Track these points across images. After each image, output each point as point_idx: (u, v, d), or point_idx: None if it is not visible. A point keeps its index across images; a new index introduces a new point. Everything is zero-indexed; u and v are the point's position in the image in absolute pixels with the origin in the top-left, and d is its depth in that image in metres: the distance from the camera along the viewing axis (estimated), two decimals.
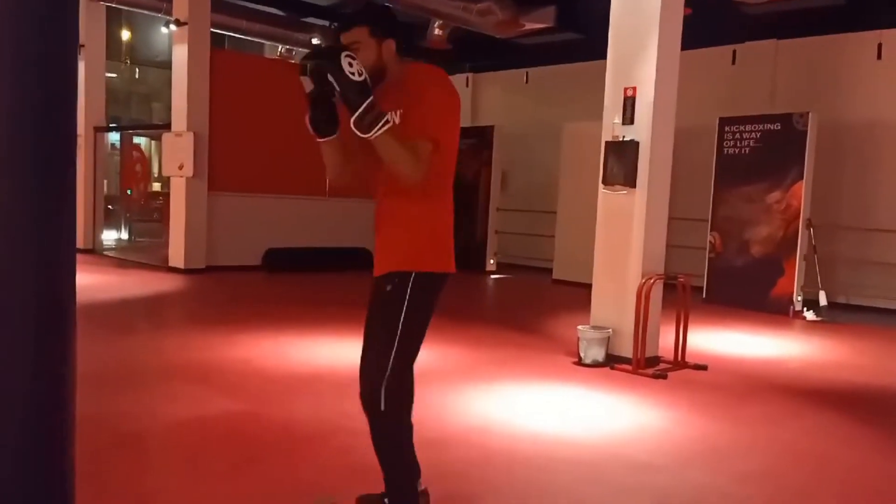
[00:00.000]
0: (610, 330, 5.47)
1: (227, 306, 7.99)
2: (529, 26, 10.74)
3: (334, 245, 11.33)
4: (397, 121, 2.35)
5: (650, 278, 5.29)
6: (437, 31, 11.25)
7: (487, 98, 14.27)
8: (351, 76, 2.18)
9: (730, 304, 9.03)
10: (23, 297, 1.55)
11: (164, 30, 11.86)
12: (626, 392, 4.79)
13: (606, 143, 5.54)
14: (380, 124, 2.21)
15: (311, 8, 12.68)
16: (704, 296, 9.36)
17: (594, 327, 5.57)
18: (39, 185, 1.53)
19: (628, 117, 5.39)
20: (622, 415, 4.35)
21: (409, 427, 2.54)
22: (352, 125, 2.22)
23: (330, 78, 2.19)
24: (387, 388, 2.40)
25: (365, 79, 2.21)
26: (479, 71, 14.20)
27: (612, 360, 5.42)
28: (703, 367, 5.45)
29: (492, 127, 12.22)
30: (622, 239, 5.49)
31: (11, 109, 1.48)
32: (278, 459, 3.32)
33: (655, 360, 5.48)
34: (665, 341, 5.64)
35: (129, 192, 13.71)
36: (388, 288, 2.43)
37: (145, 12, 11.93)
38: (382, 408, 2.40)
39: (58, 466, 1.67)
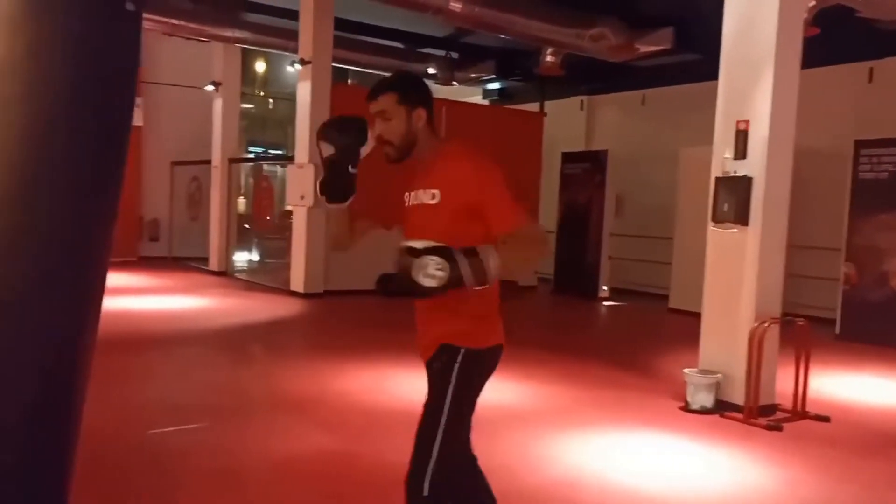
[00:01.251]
0: (719, 375, 5.20)
1: (338, 332, 8.28)
2: (644, 49, 10.47)
3: None
4: (429, 201, 2.25)
5: (764, 322, 4.99)
6: (549, 58, 11.20)
7: (602, 121, 14.03)
8: (425, 286, 2.01)
9: (866, 341, 8.33)
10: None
11: (289, 68, 12.53)
12: (734, 445, 4.53)
13: (716, 178, 5.30)
14: (488, 264, 2.03)
15: (428, 39, 13.01)
16: (838, 331, 8.69)
17: (702, 371, 5.31)
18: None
19: (740, 152, 5.13)
20: (728, 472, 4.11)
21: None
22: (474, 288, 2.06)
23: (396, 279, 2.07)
24: (433, 475, 2.24)
25: (453, 274, 2.02)
26: (594, 93, 13.99)
27: (721, 407, 5.14)
28: (825, 419, 5.06)
29: (605, 151, 11.99)
30: (734, 279, 5.22)
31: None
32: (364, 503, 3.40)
33: (771, 409, 5.14)
34: (785, 386, 5.28)
35: (246, 226, 14.55)
36: (436, 365, 2.31)
37: (276, 52, 12.71)
38: (425, 493, 2.23)
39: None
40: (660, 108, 12.70)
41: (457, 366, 2.28)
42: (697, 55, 10.60)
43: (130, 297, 9.76)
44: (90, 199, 1.82)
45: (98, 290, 1.93)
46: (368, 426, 4.59)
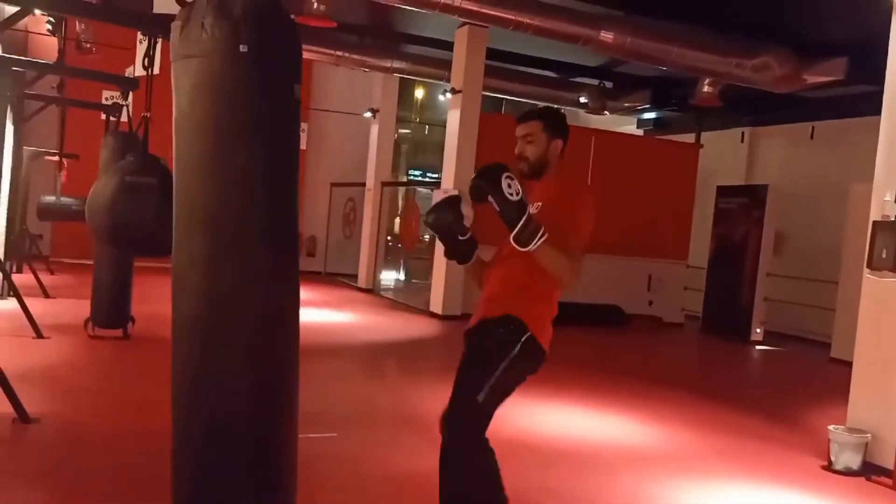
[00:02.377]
0: (869, 435, 4.75)
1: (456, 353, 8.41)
2: (813, 80, 9.83)
3: (586, 301, 11.31)
4: (534, 211, 2.53)
5: None
6: (706, 88, 10.80)
7: (765, 154, 13.27)
8: (509, 196, 2.38)
9: None
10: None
11: (440, 97, 13.00)
12: None
13: (874, 222, 4.89)
14: (537, 238, 2.39)
15: (581, 69, 12.99)
16: None
17: (850, 429, 4.88)
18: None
19: None
20: None
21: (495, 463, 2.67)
22: (511, 241, 2.41)
23: (490, 199, 2.41)
24: (477, 418, 2.64)
25: (521, 198, 2.41)
26: (758, 125, 13.28)
27: (869, 470, 4.70)
28: None
29: (766, 186, 11.33)
30: (890, 331, 4.77)
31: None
32: None
33: None
34: None
35: (390, 240, 15.11)
36: (501, 330, 2.59)
37: (431, 81, 13.25)
38: (479, 402, 2.61)
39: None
40: (831, 142, 11.82)
41: (521, 343, 2.58)
42: (874, 86, 9.80)
43: None
44: (284, 205, 2.32)
45: (296, 281, 2.45)
46: None
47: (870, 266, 4.91)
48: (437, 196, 9.83)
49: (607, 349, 9.96)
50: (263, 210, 2.23)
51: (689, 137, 13.47)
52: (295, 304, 2.41)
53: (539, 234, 2.40)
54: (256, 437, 2.27)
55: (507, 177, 2.40)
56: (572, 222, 2.60)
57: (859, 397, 4.98)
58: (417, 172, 20.81)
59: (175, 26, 2.23)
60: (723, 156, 13.33)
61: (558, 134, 2.73)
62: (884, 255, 4.76)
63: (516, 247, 2.43)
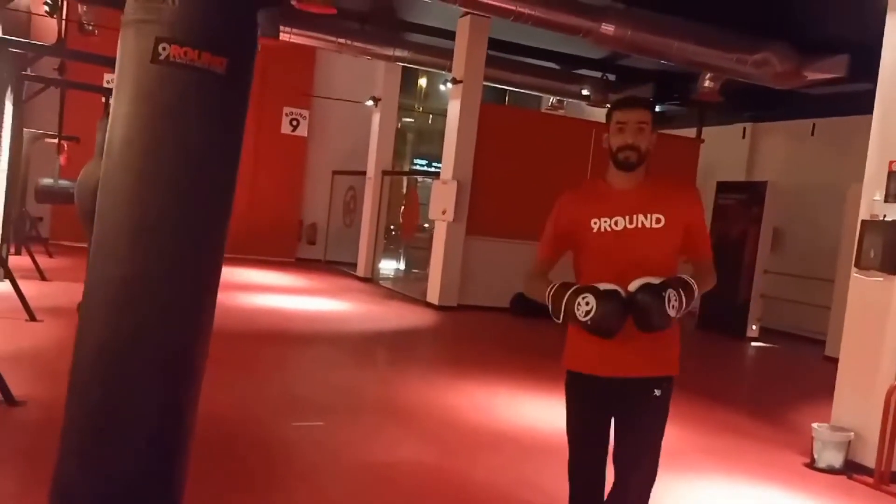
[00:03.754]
0: (851, 433, 4.76)
1: (461, 347, 8.45)
2: (814, 77, 9.77)
3: None
4: (654, 225, 2.38)
5: None
6: (707, 83, 10.75)
7: (766, 150, 13.21)
8: (677, 315, 2.29)
9: None
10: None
11: (441, 87, 12.96)
12: None
13: (863, 221, 4.87)
14: (690, 300, 2.32)
15: (584, 61, 12.94)
16: None
17: (834, 427, 4.89)
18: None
19: (892, 195, 4.69)
20: None
21: None
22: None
23: (652, 315, 2.24)
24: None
25: (683, 303, 2.29)
26: (759, 121, 13.22)
27: (851, 468, 4.71)
28: None
29: (765, 182, 11.29)
30: (875, 331, 4.76)
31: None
32: None
33: None
34: None
35: (393, 230, 15.14)
36: (658, 392, 2.41)
37: (433, 70, 13.22)
38: None
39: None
40: (831, 140, 11.76)
41: (670, 396, 2.46)
42: (875, 84, 9.75)
43: (281, 295, 10.53)
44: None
45: (216, 274, 2.42)
46: (468, 443, 4.67)
47: (858, 265, 4.90)
48: (437, 187, 9.73)
49: None
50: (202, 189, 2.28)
51: (691, 132, 13.42)
52: (211, 298, 2.41)
53: (686, 303, 2.30)
54: (160, 426, 2.29)
55: (670, 292, 2.25)
56: (707, 235, 2.54)
57: (844, 396, 4.99)
58: (423, 162, 20.78)
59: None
60: (724, 151, 13.27)
61: (655, 128, 2.49)
62: (871, 255, 4.75)
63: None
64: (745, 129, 13.32)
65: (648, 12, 9.32)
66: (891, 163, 4.74)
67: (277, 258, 14.67)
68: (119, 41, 2.31)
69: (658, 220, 2.37)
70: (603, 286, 2.26)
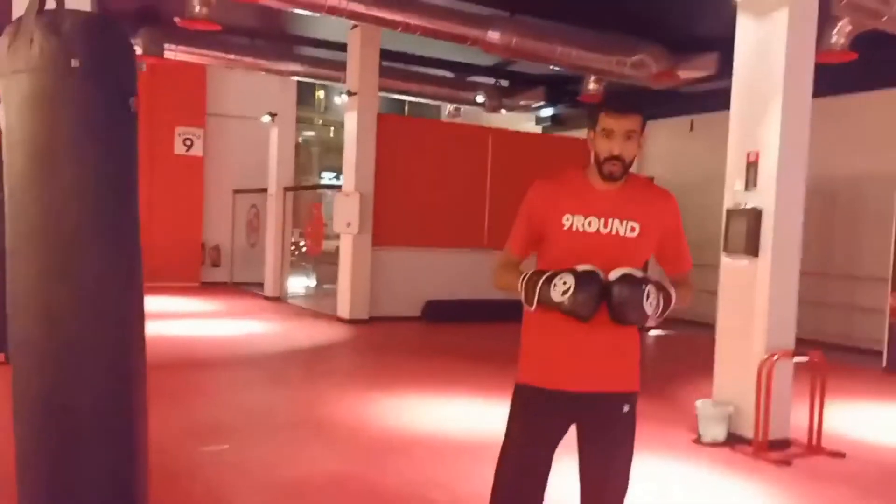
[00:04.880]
0: (731, 407, 5.14)
1: (374, 358, 8.51)
2: (687, 76, 10.40)
3: (492, 297, 11.58)
4: (628, 233, 2.25)
5: (773, 355, 4.93)
6: (592, 86, 11.26)
7: (653, 147, 13.91)
8: (654, 314, 2.18)
9: None
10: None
11: (337, 99, 13.00)
12: (742, 480, 4.49)
13: (728, 210, 5.29)
14: (667, 307, 2.23)
15: (475, 68, 13.26)
16: (885, 364, 8.36)
17: (715, 403, 5.26)
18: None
19: (751, 183, 5.12)
20: None
21: None
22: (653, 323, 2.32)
23: (628, 307, 2.14)
24: None
25: (662, 304, 2.20)
26: (646, 119, 13.89)
27: (734, 440, 5.09)
28: (841, 455, 4.93)
29: (651, 178, 11.88)
30: (745, 310, 5.18)
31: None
32: None
33: (785, 444, 5.05)
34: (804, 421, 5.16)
35: (302, 245, 15.02)
36: (626, 409, 2.33)
37: (329, 83, 13.23)
38: None
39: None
40: (708, 135, 12.53)
41: (636, 412, 2.36)
42: None
43: (185, 320, 10.29)
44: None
45: (139, 289, 2.67)
46: (379, 450, 4.76)
47: (726, 250, 5.31)
48: (340, 200, 9.69)
49: (511, 344, 10.24)
50: (100, 219, 2.30)
51: (584, 133, 13.96)
52: (139, 308, 2.57)
53: (667, 306, 2.21)
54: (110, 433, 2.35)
55: (648, 290, 2.15)
56: (685, 245, 2.41)
57: (722, 372, 5.39)
58: (331, 174, 20.62)
59: (2, 42, 2.24)
60: None
61: (644, 128, 2.29)
62: (736, 239, 5.15)
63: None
64: None
65: (532, 19, 9.70)
66: (747, 154, 5.16)
67: (181, 283, 14.28)
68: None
69: (633, 229, 2.25)
70: (581, 267, 2.15)
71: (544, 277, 2.18)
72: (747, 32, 5.23)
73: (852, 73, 8.35)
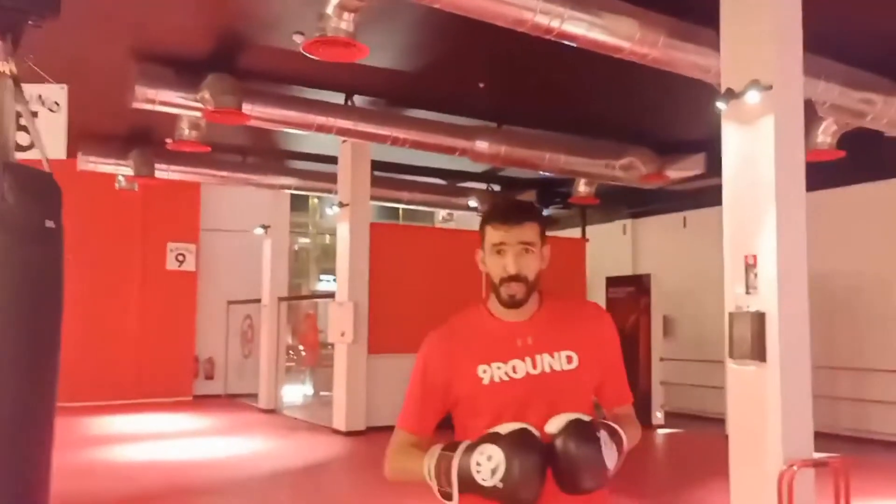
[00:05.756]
0: None
1: (372, 475, 8.07)
2: (676, 175, 10.53)
3: None
4: (565, 366, 1.82)
5: (792, 465, 4.66)
6: (582, 188, 11.39)
7: (646, 244, 13.97)
8: (608, 471, 1.69)
9: None
10: None
11: (328, 210, 13.11)
12: None
13: (730, 314, 5.15)
14: (620, 457, 1.76)
15: (467, 175, 13.45)
16: None
17: None
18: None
19: (751, 287, 5.01)
20: None
21: None
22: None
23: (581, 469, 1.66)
24: None
25: (616, 445, 1.75)
26: (637, 217, 14.03)
27: None
28: None
29: (648, 275, 11.87)
30: (757, 417, 4.94)
31: None
32: None
33: None
34: None
35: (301, 349, 14.77)
36: None
37: (321, 195, 13.36)
38: None
39: None
40: (702, 230, 12.58)
41: None
42: None
43: (174, 440, 9.89)
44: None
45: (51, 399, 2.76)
46: None
47: (731, 356, 5.12)
48: (334, 309, 9.57)
49: None
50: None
51: (576, 232, 14.05)
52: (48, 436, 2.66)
53: (621, 452, 1.75)
54: None
55: (604, 444, 1.69)
56: (625, 377, 1.97)
57: (739, 486, 5.09)
58: (330, 277, 20.52)
59: None
60: (609, 248, 13.93)
61: (546, 238, 1.87)
62: (741, 344, 4.99)
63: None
64: (624, 225, 14.08)
65: (519, 129, 9.90)
66: (745, 257, 5.08)
67: (172, 398, 13.89)
68: None
69: (570, 359, 1.81)
70: (506, 428, 1.66)
71: (460, 454, 1.66)
72: (734, 140, 5.26)
73: (840, 168, 8.47)
